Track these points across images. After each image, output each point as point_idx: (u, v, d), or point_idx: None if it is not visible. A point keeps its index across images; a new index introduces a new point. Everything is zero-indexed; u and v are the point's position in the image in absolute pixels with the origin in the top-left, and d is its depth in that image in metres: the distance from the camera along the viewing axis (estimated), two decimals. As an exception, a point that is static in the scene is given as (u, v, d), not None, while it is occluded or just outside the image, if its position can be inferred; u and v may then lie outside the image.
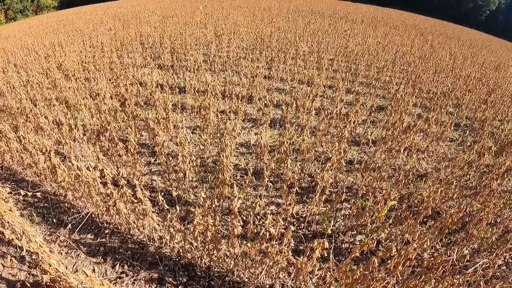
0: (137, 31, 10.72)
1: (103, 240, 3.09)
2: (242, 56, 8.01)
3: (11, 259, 2.98)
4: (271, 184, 3.36)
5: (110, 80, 5.56)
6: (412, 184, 3.87)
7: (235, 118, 4.16)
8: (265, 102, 4.90)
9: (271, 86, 6.27)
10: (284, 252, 2.20)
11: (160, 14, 16.36)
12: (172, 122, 3.97)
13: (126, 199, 2.73)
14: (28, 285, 2.56)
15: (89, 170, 2.91)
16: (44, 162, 3.61)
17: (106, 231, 3.18)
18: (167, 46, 8.06)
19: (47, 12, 71.85)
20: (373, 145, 4.75)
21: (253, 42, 9.90)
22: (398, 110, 4.90)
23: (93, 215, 3.31)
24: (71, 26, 17.86)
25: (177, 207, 2.53)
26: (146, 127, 4.11)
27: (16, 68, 9.16)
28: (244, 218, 3.26)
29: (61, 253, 2.94)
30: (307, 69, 7.69)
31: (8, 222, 2.57)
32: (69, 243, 3.03)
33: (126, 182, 2.63)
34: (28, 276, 2.73)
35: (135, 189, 2.50)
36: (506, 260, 3.21)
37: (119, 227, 3.17)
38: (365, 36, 13.05)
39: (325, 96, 6.21)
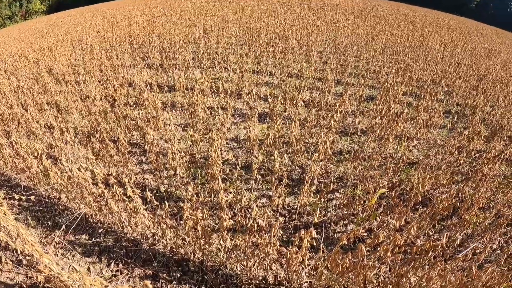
0: (126, 31, 10.69)
1: (98, 240, 3.11)
2: (231, 52, 8.02)
3: (7, 263, 3.01)
4: (260, 177, 3.39)
5: (100, 81, 5.57)
6: (403, 172, 3.91)
7: (224, 113, 4.18)
8: (254, 96, 4.93)
9: (260, 80, 6.29)
10: (273, 243, 2.23)
11: (148, 14, 16.31)
12: (162, 120, 3.99)
13: (118, 198, 2.76)
14: (25, 287, 2.59)
15: (80, 171, 2.94)
16: (37, 166, 3.62)
17: (100, 231, 3.20)
18: (156, 45, 8.06)
19: (36, 17, 71.25)
20: (362, 135, 4.79)
21: (242, 37, 9.90)
22: (387, 99, 4.94)
23: (86, 216, 3.34)
24: (60, 29, 17.75)
25: (167, 203, 2.54)
26: (136, 126, 4.13)
27: (6, 75, 9.13)
28: (235, 212, 3.30)
29: (57, 255, 2.97)
30: (296, 62, 7.71)
31: (4, 227, 2.59)
32: (64, 245, 3.04)
33: (116, 181, 2.66)
34: (25, 278, 2.75)
35: (126, 187, 2.53)
36: (500, 244, 3.25)
37: (113, 226, 3.19)
38: (354, 27, 13.08)
39: (314, 88, 6.24)
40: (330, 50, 9.34)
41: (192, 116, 4.11)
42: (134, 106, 4.94)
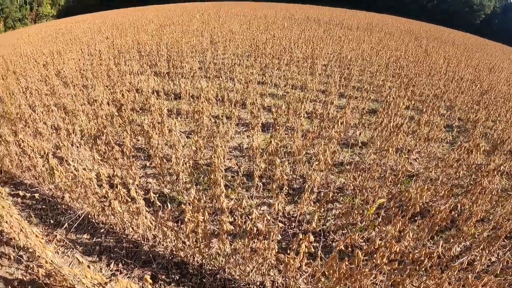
0: (135, 39, 10.87)
1: (99, 239, 3.17)
2: (237, 63, 8.14)
3: (9, 258, 3.06)
4: (261, 184, 3.44)
5: (107, 86, 5.67)
6: (402, 184, 3.95)
7: (228, 122, 4.26)
8: (258, 106, 5.01)
9: (264, 91, 6.38)
10: (272, 248, 2.28)
11: (157, 22, 16.55)
12: (167, 126, 4.06)
13: (121, 199, 2.81)
14: (26, 281, 2.64)
15: (85, 171, 3.01)
16: (43, 165, 3.69)
17: (102, 231, 3.27)
18: (163, 54, 8.19)
19: (46, 21, 72.45)
20: (364, 147, 4.83)
21: (248, 49, 10.04)
22: (389, 112, 4.99)
23: (89, 216, 3.39)
24: (70, 34, 18.02)
25: (169, 205, 2.60)
26: (141, 131, 4.21)
27: (15, 76, 9.29)
28: (235, 217, 3.34)
29: (58, 252, 3.02)
30: (301, 75, 7.80)
31: (6, 222, 2.65)
32: (66, 243, 3.10)
33: (120, 181, 2.72)
34: (25, 274, 2.80)
35: (130, 188, 2.58)
36: (498, 257, 3.26)
37: (114, 227, 3.25)
38: (359, 42, 13.21)
39: (318, 100, 6.31)
40: (335, 64, 9.43)
41: (197, 124, 4.19)
42: (141, 111, 5.02)
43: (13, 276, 2.76)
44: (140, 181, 3.82)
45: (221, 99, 5.50)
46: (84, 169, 2.95)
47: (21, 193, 3.72)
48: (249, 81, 6.04)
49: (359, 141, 4.89)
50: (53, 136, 4.41)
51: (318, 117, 4.88)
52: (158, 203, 2.55)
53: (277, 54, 8.98)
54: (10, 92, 6.93)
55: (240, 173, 3.21)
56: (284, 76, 7.64)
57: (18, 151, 4.09)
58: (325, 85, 7.60)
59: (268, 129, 5.20)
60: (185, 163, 3.47)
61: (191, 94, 5.38)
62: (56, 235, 3.18)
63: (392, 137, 4.16)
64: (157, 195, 3.52)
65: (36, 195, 3.47)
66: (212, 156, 2.95)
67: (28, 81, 7.79)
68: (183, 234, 2.73)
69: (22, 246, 2.44)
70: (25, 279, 2.65)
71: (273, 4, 33.11)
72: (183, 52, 8.43)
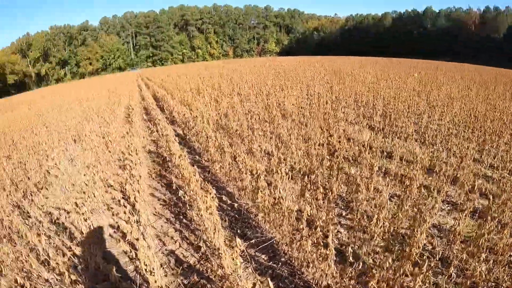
0: (352, 88, 11.31)
1: (274, 265, 3.38)
2: (453, 132, 7.44)
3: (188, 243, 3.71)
4: (454, 275, 3.01)
5: (321, 128, 6.08)
6: None
7: (437, 196, 3.93)
8: (468, 187, 4.45)
9: (479, 171, 5.62)
10: None
11: (374, 75, 16.82)
12: (373, 183, 4.05)
13: (316, 240, 2.92)
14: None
15: (290, 202, 3.27)
16: (250, 182, 4.17)
17: (281, 259, 3.46)
18: (379, 108, 8.20)
19: (269, 55, 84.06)
20: None
21: (465, 118, 9.07)
22: None
23: (274, 241, 3.64)
24: (292, 72, 20.25)
25: (351, 259, 2.56)
26: (347, 180, 4.30)
27: (240, 97, 11.01)
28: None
29: (233, 259, 3.34)
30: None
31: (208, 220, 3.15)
32: (245, 255, 3.40)
33: (322, 224, 2.83)
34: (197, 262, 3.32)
35: (327, 235, 2.65)
36: None
37: (293, 260, 3.38)
38: None
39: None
40: None
41: (404, 189, 4.02)
42: (351, 161, 5.11)
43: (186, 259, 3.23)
44: (334, 228, 3.88)
45: (432, 169, 5.14)
46: (287, 199, 3.19)
47: (224, 198, 4.36)
48: (465, 156, 5.45)
49: None
50: (264, 160, 4.93)
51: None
52: (351, 259, 2.54)
53: (497, 130, 7.76)
54: (234, 109, 8.25)
55: (437, 257, 2.91)
56: (502, 157, 6.49)
57: (231, 161, 4.76)
58: None
59: (473, 215, 4.53)
60: (384, 227, 3.37)
61: (403, 157, 5.22)
62: (238, 244, 3.54)
63: None
64: (344, 246, 3.54)
65: (236, 204, 3.97)
66: (414, 230, 2.77)
67: (249, 105, 9.09)
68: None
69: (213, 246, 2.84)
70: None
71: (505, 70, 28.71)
72: (398, 111, 8.25)
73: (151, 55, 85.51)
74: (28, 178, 5.62)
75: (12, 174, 5.69)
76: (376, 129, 7.32)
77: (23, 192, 5.19)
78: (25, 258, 2.96)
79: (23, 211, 4.38)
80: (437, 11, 65.71)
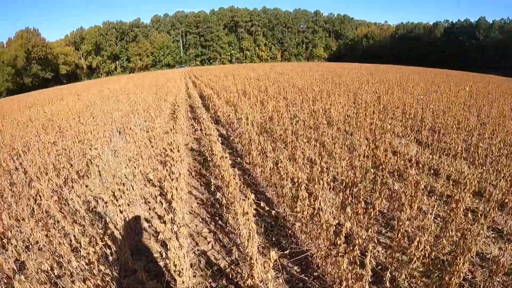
0: (400, 98, 10.84)
1: (306, 278, 3.23)
2: (504, 153, 6.82)
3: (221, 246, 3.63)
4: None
5: (367, 139, 5.80)
6: None
7: (484, 222, 3.58)
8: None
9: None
10: None
11: (424, 86, 16.04)
12: (417, 202, 3.77)
13: (351, 258, 2.73)
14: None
15: (330, 215, 3.09)
16: (290, 190, 4.02)
17: (314, 273, 3.30)
18: (428, 122, 7.76)
19: (318, 61, 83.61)
20: None
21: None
22: None
23: (308, 254, 3.48)
24: (339, 78, 19.86)
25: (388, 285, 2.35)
26: (390, 197, 4.06)
27: (286, 101, 10.88)
28: None
29: (265, 272, 3.20)
30: None
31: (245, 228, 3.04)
32: (277, 264, 3.26)
33: (360, 242, 2.64)
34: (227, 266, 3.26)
35: (366, 254, 2.47)
36: None
37: (325, 276, 3.21)
38: None
39: None
40: None
41: (449, 212, 3.70)
42: (395, 176, 4.83)
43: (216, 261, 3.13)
44: (367, 245, 3.65)
45: (481, 193, 4.74)
46: (330, 213, 3.02)
47: (262, 204, 4.21)
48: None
49: None
50: (306, 167, 4.77)
51: None
52: (388, 284, 2.32)
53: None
54: (279, 113, 8.12)
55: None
56: None
57: (272, 166, 4.64)
58: None
59: None
60: (425, 250, 3.10)
61: (450, 176, 4.86)
62: (272, 257, 3.40)
63: None
64: (379, 267, 3.31)
65: (274, 211, 3.83)
66: (456, 257, 2.52)
67: (295, 110, 8.93)
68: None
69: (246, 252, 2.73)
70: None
71: None
72: (447, 126, 7.76)
73: (199, 54, 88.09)
74: (71, 165, 5.83)
75: (55, 160, 5.91)
76: (423, 143, 6.92)
77: (64, 178, 5.40)
78: (58, 243, 3.00)
79: (62, 197, 4.52)
80: (491, 22, 62.02)
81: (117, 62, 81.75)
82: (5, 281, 3.01)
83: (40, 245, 3.32)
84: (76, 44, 76.97)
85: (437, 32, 68.43)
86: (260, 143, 5.23)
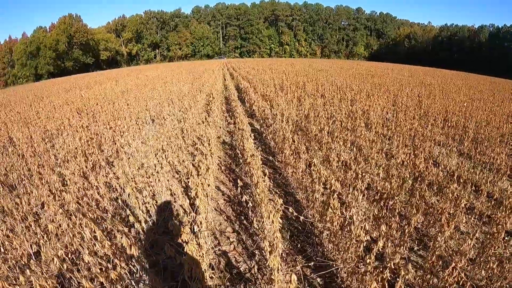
0: (442, 105, 10.25)
1: (329, 292, 3.02)
2: None
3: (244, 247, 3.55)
4: None
5: (407, 146, 5.48)
6: None
7: None
8: None
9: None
10: None
11: (467, 93, 15.13)
12: (454, 221, 3.48)
13: (381, 280, 2.53)
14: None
15: (360, 227, 2.88)
16: (321, 195, 3.82)
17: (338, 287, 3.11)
18: (471, 132, 7.23)
19: (357, 59, 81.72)
20: None
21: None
22: None
23: (335, 269, 3.28)
24: (379, 79, 19.18)
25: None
26: (426, 211, 3.79)
27: (323, 99, 10.60)
28: None
29: (285, 275, 3.05)
30: None
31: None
32: (298, 272, 3.15)
33: (391, 257, 2.45)
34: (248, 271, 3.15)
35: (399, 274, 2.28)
36: None
37: (348, 293, 3.00)
38: None
39: None
40: None
41: (488, 235, 3.40)
42: (434, 189, 4.51)
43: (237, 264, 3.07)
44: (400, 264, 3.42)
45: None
46: (362, 227, 2.83)
47: (290, 209, 4.04)
48: None
49: None
50: (340, 171, 4.55)
51: None
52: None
53: None
54: (316, 111, 7.89)
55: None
56: None
57: (304, 168, 4.43)
58: None
59: None
60: (459, 277, 2.84)
61: (492, 194, 4.50)
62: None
63: None
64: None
65: (302, 217, 3.66)
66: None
67: (332, 109, 8.63)
68: None
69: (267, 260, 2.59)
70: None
71: None
72: (491, 137, 7.17)
73: (239, 46, 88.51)
74: (102, 151, 5.90)
75: (86, 145, 5.99)
76: (465, 155, 6.46)
77: (93, 164, 5.44)
78: (77, 232, 3.01)
79: (88, 183, 4.52)
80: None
81: (157, 50, 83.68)
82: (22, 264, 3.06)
83: (59, 231, 3.34)
84: (118, 31, 79.39)
85: (482, 36, 64.69)
86: (294, 141, 5.03)
